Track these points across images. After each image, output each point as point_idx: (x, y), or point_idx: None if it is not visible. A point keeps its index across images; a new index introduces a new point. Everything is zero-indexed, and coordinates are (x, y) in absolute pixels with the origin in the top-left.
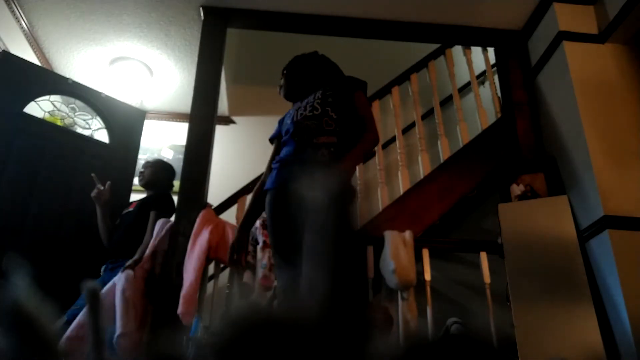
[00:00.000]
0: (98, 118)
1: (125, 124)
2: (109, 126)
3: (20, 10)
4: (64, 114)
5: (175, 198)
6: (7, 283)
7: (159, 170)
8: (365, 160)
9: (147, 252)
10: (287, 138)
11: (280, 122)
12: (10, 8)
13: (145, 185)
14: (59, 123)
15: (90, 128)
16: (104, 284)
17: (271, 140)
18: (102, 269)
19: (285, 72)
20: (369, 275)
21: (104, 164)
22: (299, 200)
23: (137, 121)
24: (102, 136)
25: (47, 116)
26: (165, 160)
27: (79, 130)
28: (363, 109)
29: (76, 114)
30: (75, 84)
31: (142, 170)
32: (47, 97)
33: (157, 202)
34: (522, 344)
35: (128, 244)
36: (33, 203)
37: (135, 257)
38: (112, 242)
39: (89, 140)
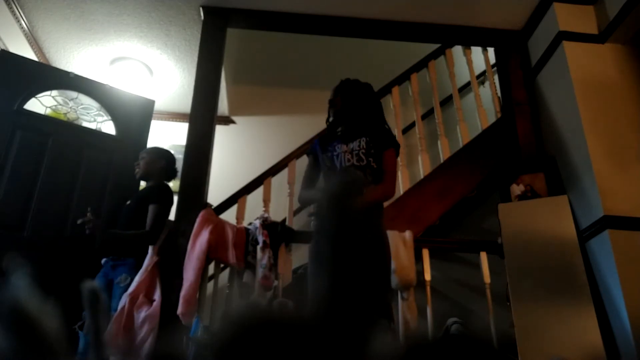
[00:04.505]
0: (103, 110)
1: (133, 115)
2: (115, 117)
3: (20, 10)
4: (67, 109)
5: (175, 198)
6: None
7: (155, 160)
8: None
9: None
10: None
11: (318, 145)
12: (10, 8)
13: (142, 178)
14: (62, 118)
15: (95, 121)
16: (106, 279)
17: (308, 154)
18: (103, 261)
19: (340, 97)
20: None
21: (110, 156)
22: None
23: (145, 111)
24: (109, 129)
25: (49, 112)
26: (161, 147)
27: (85, 124)
28: (388, 165)
29: (80, 107)
30: (78, 77)
31: (138, 162)
32: (48, 92)
33: (155, 194)
34: (522, 344)
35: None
36: (34, 201)
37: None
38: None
39: (94, 132)
